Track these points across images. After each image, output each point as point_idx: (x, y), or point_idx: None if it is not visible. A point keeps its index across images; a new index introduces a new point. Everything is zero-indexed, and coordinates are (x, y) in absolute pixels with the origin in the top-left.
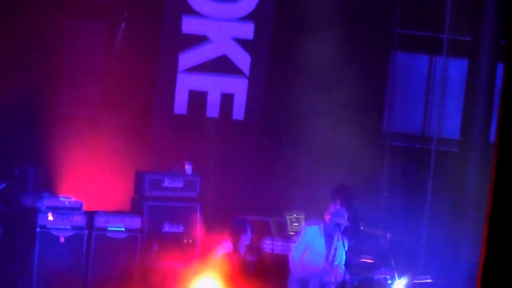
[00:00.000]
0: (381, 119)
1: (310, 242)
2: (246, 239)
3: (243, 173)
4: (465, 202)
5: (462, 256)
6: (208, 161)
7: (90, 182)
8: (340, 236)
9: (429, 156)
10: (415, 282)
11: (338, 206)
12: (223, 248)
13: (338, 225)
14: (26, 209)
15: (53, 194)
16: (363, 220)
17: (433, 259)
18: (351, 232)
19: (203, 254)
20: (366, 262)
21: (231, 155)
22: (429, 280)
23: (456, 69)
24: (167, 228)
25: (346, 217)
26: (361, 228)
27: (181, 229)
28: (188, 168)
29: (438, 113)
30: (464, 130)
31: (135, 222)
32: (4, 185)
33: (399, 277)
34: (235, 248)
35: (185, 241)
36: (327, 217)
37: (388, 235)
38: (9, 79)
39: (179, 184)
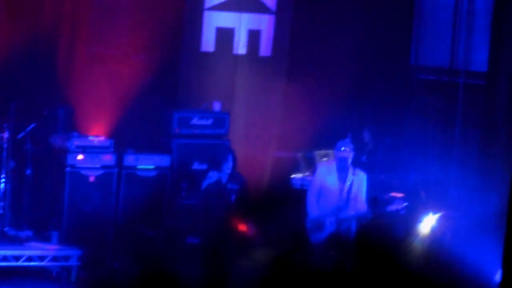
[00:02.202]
0: (409, 53)
1: (323, 180)
2: (227, 168)
3: (271, 109)
4: (493, 136)
5: (491, 191)
6: (236, 98)
7: (119, 121)
8: (353, 170)
9: (457, 90)
10: (444, 216)
11: (344, 141)
12: (207, 178)
13: (345, 159)
14: (56, 149)
15: (82, 133)
16: (392, 155)
17: (462, 193)
18: (379, 167)
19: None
20: (395, 196)
21: (259, 91)
22: (458, 214)
23: (483, 1)
24: (196, 165)
25: (351, 150)
26: (390, 162)
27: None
28: (216, 105)
29: (465, 46)
30: (492, 62)
31: (164, 160)
32: (33, 125)
33: (429, 211)
34: (220, 176)
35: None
36: (334, 153)
37: (417, 169)
38: (37, 18)
39: (207, 121)
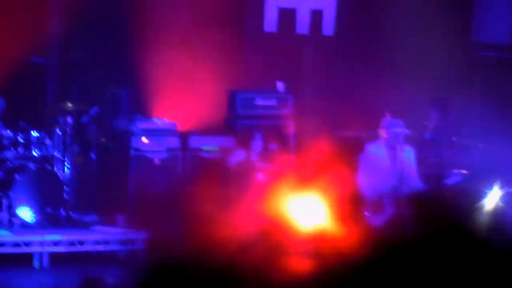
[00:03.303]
0: (470, 29)
1: (374, 160)
2: (256, 146)
3: (335, 88)
4: None
5: None
6: (300, 78)
7: (182, 103)
8: (403, 147)
9: None
10: (510, 192)
11: (389, 117)
12: (235, 156)
13: (398, 136)
14: (120, 132)
15: (146, 116)
16: (455, 132)
17: None
18: (443, 144)
19: (297, 171)
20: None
21: (322, 71)
22: None
23: None
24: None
25: (402, 125)
26: (454, 139)
27: (274, 147)
28: (280, 86)
29: None
30: None
31: (229, 142)
32: (97, 108)
33: (494, 187)
34: (247, 155)
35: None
36: (382, 131)
37: (481, 146)
38: (101, 2)
39: (271, 102)
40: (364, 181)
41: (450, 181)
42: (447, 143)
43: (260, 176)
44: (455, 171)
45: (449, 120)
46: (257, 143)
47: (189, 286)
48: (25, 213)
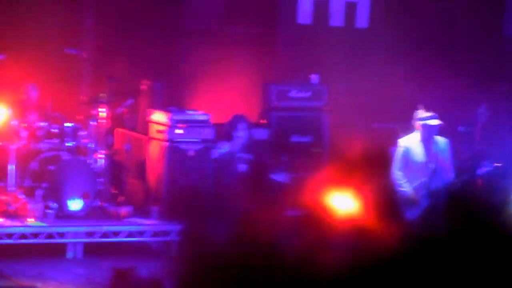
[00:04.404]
0: (502, 23)
1: (408, 153)
2: (239, 138)
3: (369, 80)
4: None
5: None
6: (334, 69)
7: (216, 94)
8: (436, 140)
9: None
10: None
11: (423, 110)
12: (220, 148)
13: (434, 129)
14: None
15: (180, 108)
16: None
17: None
18: (477, 137)
19: (332, 163)
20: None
21: (357, 63)
22: None
23: None
24: (295, 138)
25: (436, 118)
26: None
27: (309, 138)
28: (314, 77)
29: None
30: None
31: (263, 133)
32: (131, 100)
33: None
34: (232, 147)
35: (313, 150)
36: (416, 124)
37: None
38: None
39: (306, 94)
40: (398, 174)
41: (480, 171)
42: (480, 136)
43: (242, 168)
44: (487, 162)
45: (481, 114)
46: (242, 134)
47: (223, 279)
48: (60, 204)
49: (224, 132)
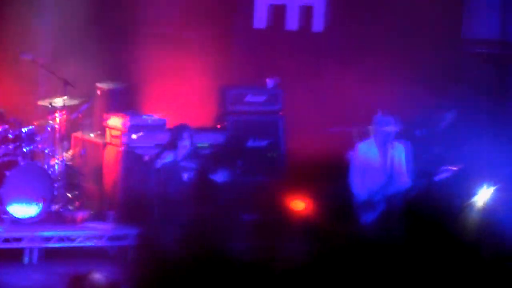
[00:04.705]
0: (460, 26)
1: (365, 158)
2: (183, 147)
3: (325, 85)
4: None
5: None
6: (289, 74)
7: (172, 99)
8: (393, 145)
9: (509, 62)
10: (499, 189)
11: (380, 115)
12: (163, 157)
13: (390, 134)
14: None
15: (136, 112)
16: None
17: None
18: (434, 140)
19: (288, 167)
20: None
21: (312, 67)
22: None
23: None
24: (251, 142)
25: (393, 123)
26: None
27: (265, 143)
28: (270, 82)
29: None
30: None
31: (219, 138)
32: (87, 104)
33: (484, 184)
34: (175, 155)
35: (269, 155)
36: (373, 129)
37: (471, 143)
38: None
39: (261, 98)
40: (355, 179)
41: (439, 177)
42: (438, 139)
43: (186, 177)
44: (445, 167)
45: (438, 117)
46: (186, 143)
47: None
48: (15, 209)
49: (168, 141)
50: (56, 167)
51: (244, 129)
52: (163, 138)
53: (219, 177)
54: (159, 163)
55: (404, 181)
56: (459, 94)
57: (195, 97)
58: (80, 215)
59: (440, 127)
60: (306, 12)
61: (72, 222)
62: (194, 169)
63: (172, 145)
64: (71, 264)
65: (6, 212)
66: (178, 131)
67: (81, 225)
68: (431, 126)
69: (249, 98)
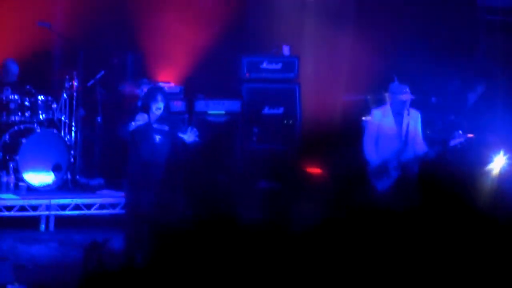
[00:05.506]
0: None
1: (380, 125)
2: (157, 109)
3: (340, 52)
4: None
5: None
6: (305, 41)
7: (188, 67)
8: (409, 111)
9: None
10: None
11: (396, 82)
12: (137, 120)
13: (405, 102)
14: (125, 96)
15: (152, 80)
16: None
17: None
18: (449, 108)
19: (304, 135)
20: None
21: (328, 34)
22: None
23: None
24: (266, 110)
25: (408, 90)
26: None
27: (280, 110)
28: (285, 49)
29: None
30: None
31: (235, 106)
32: (102, 72)
33: (500, 151)
34: (149, 117)
35: (285, 122)
36: (388, 96)
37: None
38: None
39: (277, 65)
40: (369, 145)
41: (454, 142)
42: (452, 107)
43: (158, 139)
44: (459, 133)
45: (454, 85)
46: (160, 106)
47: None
48: (32, 177)
49: (142, 103)
50: (73, 135)
51: (260, 96)
52: (179, 105)
53: (189, 137)
54: (132, 125)
55: (420, 148)
56: (475, 62)
57: (210, 64)
58: (96, 182)
59: (471, 100)
60: None
61: (88, 190)
62: (166, 132)
63: (145, 108)
64: (86, 232)
65: (23, 180)
66: (152, 93)
67: (97, 192)
68: (442, 93)
69: (264, 65)
